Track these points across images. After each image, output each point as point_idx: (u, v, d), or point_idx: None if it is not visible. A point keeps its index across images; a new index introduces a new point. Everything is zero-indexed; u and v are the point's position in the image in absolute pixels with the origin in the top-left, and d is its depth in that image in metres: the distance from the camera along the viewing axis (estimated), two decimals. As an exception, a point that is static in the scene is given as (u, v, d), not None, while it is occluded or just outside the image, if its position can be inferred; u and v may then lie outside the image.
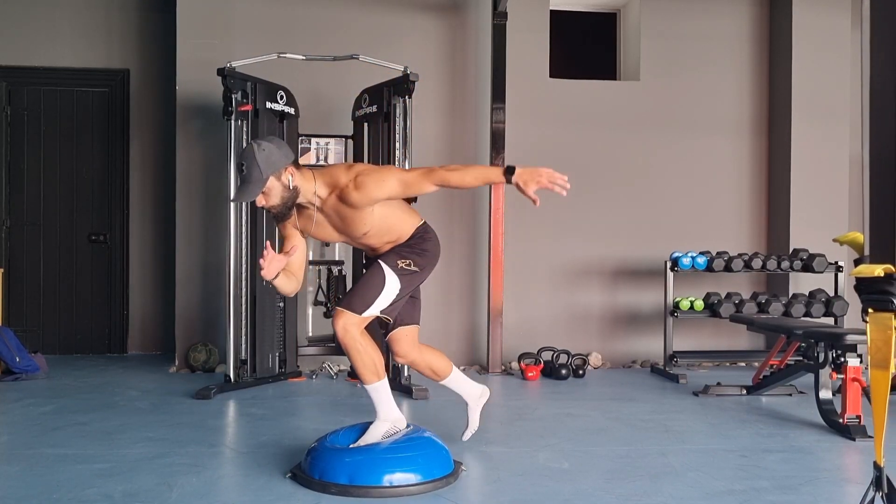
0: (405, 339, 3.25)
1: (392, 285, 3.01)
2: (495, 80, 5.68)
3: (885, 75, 1.82)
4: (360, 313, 2.96)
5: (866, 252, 1.97)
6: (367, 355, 2.98)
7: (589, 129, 6.08)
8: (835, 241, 4.38)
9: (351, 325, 2.95)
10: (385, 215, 3.03)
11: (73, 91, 6.21)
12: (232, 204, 4.80)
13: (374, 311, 2.99)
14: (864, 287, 2.01)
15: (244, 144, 4.85)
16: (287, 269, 2.95)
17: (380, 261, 3.05)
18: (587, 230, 6.07)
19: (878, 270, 1.93)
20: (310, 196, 2.96)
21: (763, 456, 3.40)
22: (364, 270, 3.33)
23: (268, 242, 2.83)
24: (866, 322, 2.05)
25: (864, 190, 1.93)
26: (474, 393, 3.49)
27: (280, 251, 2.92)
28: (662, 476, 3.07)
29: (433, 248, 3.16)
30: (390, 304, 3.03)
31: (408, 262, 3.06)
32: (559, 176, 2.84)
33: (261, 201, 2.89)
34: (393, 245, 3.13)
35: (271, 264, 2.77)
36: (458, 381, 3.44)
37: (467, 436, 3.50)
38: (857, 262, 2.02)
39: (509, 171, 2.91)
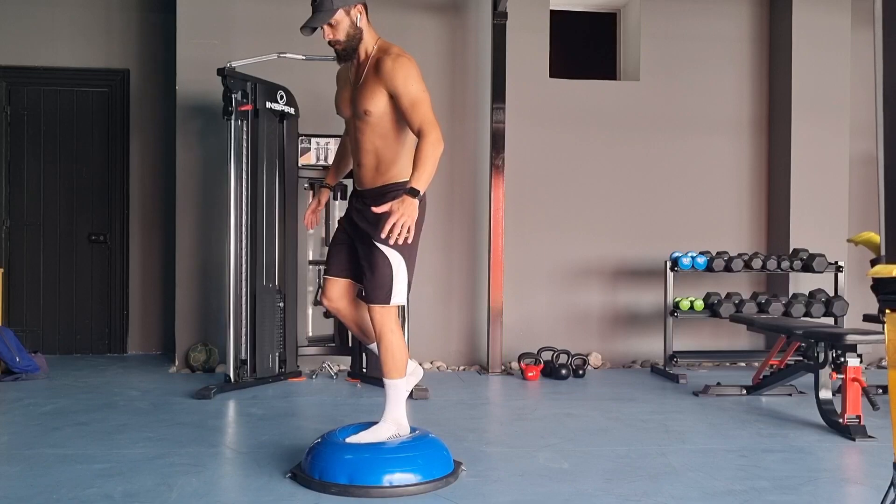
0: (340, 287, 3.14)
1: (397, 261, 2.95)
2: (495, 80, 5.68)
3: None
4: (389, 302, 2.95)
5: (882, 252, 1.95)
6: (399, 350, 2.97)
7: (589, 128, 6.08)
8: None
9: (387, 317, 2.96)
10: (392, 121, 2.97)
11: (73, 91, 6.20)
12: (232, 204, 4.80)
13: (400, 294, 2.97)
14: (881, 287, 1.99)
15: (244, 144, 4.86)
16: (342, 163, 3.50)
17: (376, 243, 2.96)
18: (587, 230, 6.07)
19: (895, 271, 1.91)
20: (368, 47, 3.02)
21: (763, 456, 3.40)
22: (335, 233, 3.28)
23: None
24: (883, 323, 2.04)
25: (879, 189, 1.91)
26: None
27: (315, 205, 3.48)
28: (662, 476, 3.07)
29: (421, 209, 2.94)
30: (408, 280, 3.00)
31: None
32: (406, 232, 2.75)
33: (328, 33, 2.97)
34: (381, 182, 3.02)
35: (311, 217, 3.46)
36: None
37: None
38: (873, 263, 2.01)
39: (410, 192, 2.78)
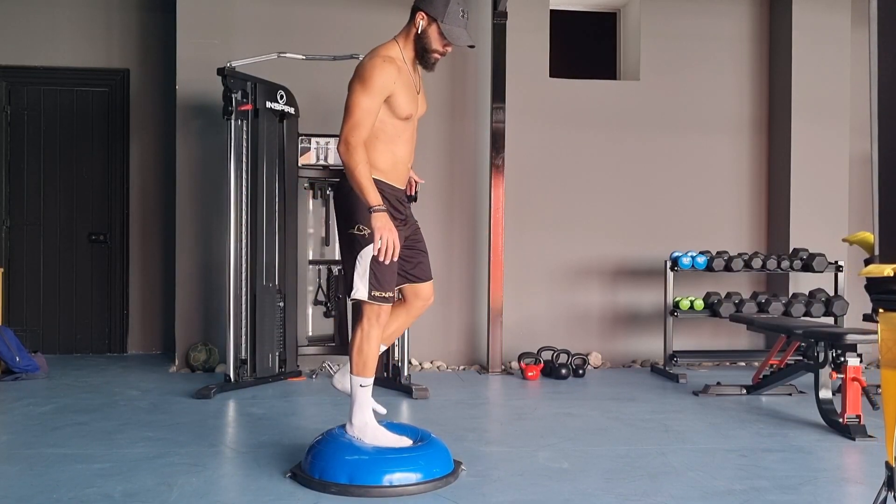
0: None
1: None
2: (495, 79, 5.68)
3: (893, 73, 1.81)
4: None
5: (876, 252, 1.96)
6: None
7: (589, 128, 6.08)
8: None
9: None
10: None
11: (73, 91, 6.20)
12: (232, 204, 4.80)
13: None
14: (874, 287, 2.00)
15: (244, 144, 4.86)
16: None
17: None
18: (587, 230, 6.07)
19: (888, 270, 1.92)
20: None
21: (763, 456, 3.40)
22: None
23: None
24: (877, 322, 2.04)
25: (873, 189, 1.92)
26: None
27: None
28: (662, 476, 3.07)
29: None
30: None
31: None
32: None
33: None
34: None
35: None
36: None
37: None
38: (867, 262, 2.01)
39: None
